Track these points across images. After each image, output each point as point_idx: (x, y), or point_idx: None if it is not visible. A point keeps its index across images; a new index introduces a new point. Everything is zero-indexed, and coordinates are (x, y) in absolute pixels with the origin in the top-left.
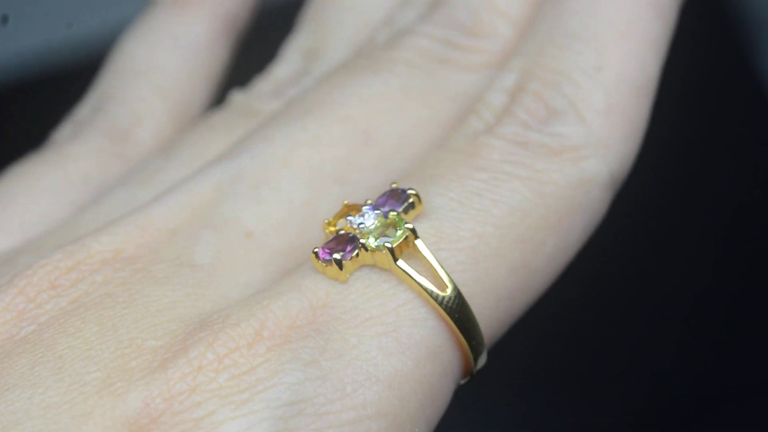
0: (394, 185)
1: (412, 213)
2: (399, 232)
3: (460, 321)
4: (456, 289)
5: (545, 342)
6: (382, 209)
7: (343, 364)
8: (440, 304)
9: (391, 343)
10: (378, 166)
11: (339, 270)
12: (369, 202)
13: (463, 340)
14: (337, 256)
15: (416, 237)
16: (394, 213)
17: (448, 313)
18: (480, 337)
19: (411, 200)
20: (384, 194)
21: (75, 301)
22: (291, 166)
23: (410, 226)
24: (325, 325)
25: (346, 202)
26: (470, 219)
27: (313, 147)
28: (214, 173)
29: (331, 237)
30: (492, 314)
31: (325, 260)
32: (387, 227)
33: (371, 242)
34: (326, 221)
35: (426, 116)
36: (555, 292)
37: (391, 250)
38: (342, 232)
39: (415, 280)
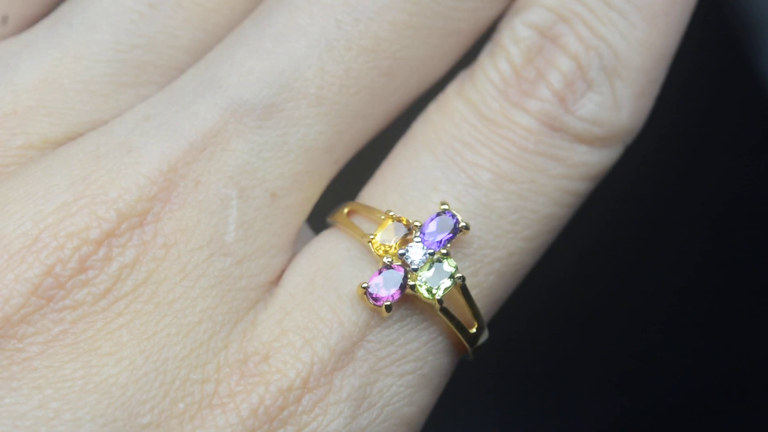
0: (444, 207)
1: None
2: (448, 282)
3: (477, 342)
4: (482, 325)
5: (539, 343)
6: (429, 241)
7: (376, 413)
8: (466, 339)
9: (418, 380)
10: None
11: (385, 312)
12: (417, 224)
13: (471, 347)
14: (387, 302)
15: (464, 288)
16: (444, 252)
17: (469, 343)
18: (486, 340)
19: (460, 231)
20: (433, 218)
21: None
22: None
23: (460, 276)
24: (362, 361)
25: (392, 213)
26: (504, 237)
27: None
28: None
29: (379, 264)
30: (492, 312)
31: (374, 301)
32: (434, 262)
33: (421, 290)
34: (375, 240)
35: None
36: (548, 293)
37: (440, 302)
38: (392, 268)
39: (453, 328)
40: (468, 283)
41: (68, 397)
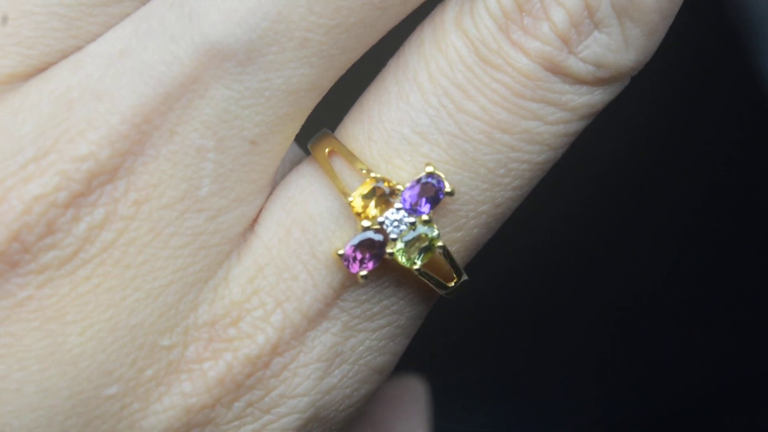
0: (429, 168)
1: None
2: (428, 252)
3: (453, 291)
4: (461, 278)
5: (533, 342)
6: (410, 208)
7: (348, 368)
8: (444, 291)
9: (393, 331)
10: None
11: (361, 279)
12: (399, 188)
13: (450, 296)
14: (363, 272)
15: (445, 252)
16: (425, 219)
17: (447, 295)
18: (466, 282)
19: (443, 198)
20: (417, 184)
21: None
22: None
23: (441, 245)
24: (335, 319)
25: (373, 174)
26: (492, 190)
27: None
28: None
29: (357, 227)
30: (472, 256)
31: (350, 268)
32: (414, 229)
33: (401, 259)
34: (355, 201)
35: None
36: (545, 288)
37: (420, 271)
38: (369, 233)
39: (432, 286)
40: (450, 238)
41: (32, 368)
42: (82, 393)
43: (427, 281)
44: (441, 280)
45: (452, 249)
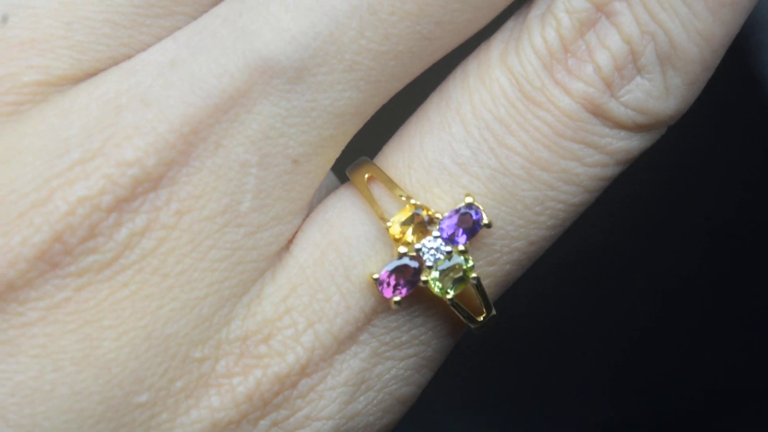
0: (468, 199)
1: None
2: (461, 283)
3: (481, 326)
4: (491, 314)
5: (531, 346)
6: (447, 237)
7: (373, 396)
8: (473, 325)
9: (419, 362)
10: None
11: (394, 305)
12: (438, 217)
13: (476, 330)
14: (396, 298)
15: (478, 285)
16: (461, 249)
17: (475, 330)
18: (493, 317)
19: (481, 228)
20: (455, 213)
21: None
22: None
23: (475, 277)
24: (365, 344)
25: (413, 201)
26: (527, 227)
27: None
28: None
29: (394, 253)
30: (501, 293)
31: (383, 293)
32: (450, 259)
33: (434, 287)
34: (393, 227)
35: None
36: (553, 293)
37: (452, 301)
38: (405, 259)
39: (462, 319)
40: (483, 272)
41: (66, 370)
42: (113, 398)
43: (457, 313)
44: (471, 314)
45: (484, 283)
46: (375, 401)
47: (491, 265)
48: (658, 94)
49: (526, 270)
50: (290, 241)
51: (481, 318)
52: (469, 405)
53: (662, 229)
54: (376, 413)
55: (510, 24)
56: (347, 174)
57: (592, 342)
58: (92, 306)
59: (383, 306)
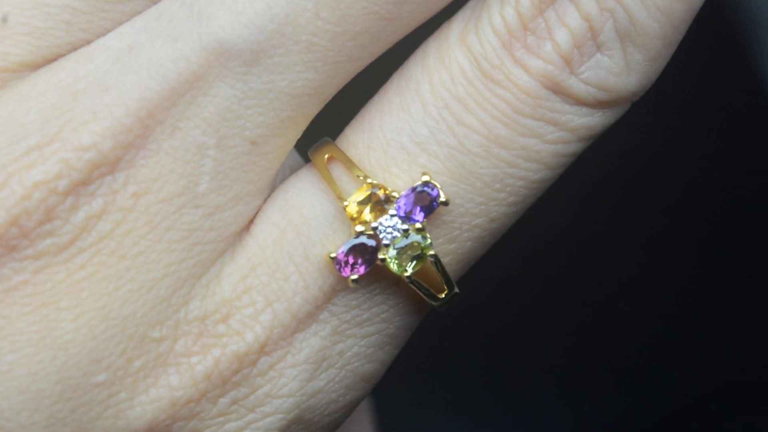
0: (425, 177)
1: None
2: (419, 260)
3: (444, 303)
4: (452, 290)
5: (536, 340)
6: (404, 215)
7: (335, 373)
8: (435, 302)
9: (382, 339)
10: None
11: (351, 283)
12: (394, 195)
13: (440, 308)
14: (354, 276)
15: (437, 262)
16: (418, 227)
17: (438, 307)
18: (456, 294)
19: (439, 206)
20: (411, 191)
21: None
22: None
23: (432, 255)
24: (325, 323)
25: (370, 180)
26: (487, 204)
27: None
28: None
29: (351, 231)
30: (466, 270)
31: (341, 272)
32: (407, 236)
33: (391, 265)
34: (350, 206)
35: None
36: (541, 290)
37: (410, 279)
38: (362, 238)
39: (422, 296)
40: (443, 249)
41: (23, 351)
42: (70, 379)
43: (417, 290)
44: (432, 291)
45: (445, 261)
46: (337, 378)
47: (451, 242)
48: (618, 71)
49: (488, 246)
50: (251, 222)
51: (443, 295)
52: (458, 409)
53: (660, 229)
54: (338, 390)
55: (471, 3)
56: (309, 155)
57: (577, 337)
58: (49, 288)
59: (342, 285)
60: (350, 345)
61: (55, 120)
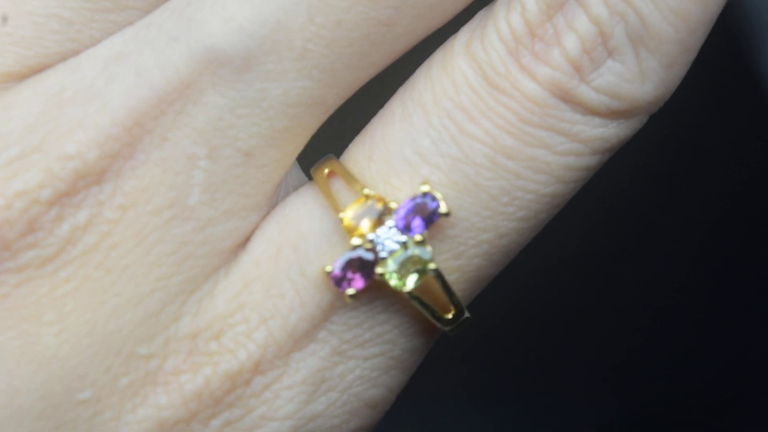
0: (425, 188)
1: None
2: (419, 275)
3: (455, 325)
4: (460, 310)
5: (529, 343)
6: (403, 227)
7: (336, 397)
8: (441, 324)
9: (386, 363)
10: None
11: (348, 299)
12: (392, 206)
13: (448, 330)
14: (350, 291)
15: (438, 276)
16: (418, 240)
17: (449, 332)
18: (466, 319)
19: (439, 217)
20: (411, 202)
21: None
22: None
23: (433, 269)
24: (324, 342)
25: (366, 191)
26: (494, 219)
27: None
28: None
29: (348, 249)
30: (477, 291)
31: (337, 287)
32: (406, 249)
33: (391, 281)
34: (346, 218)
35: None
36: (539, 291)
37: (411, 295)
38: (359, 251)
39: (427, 315)
40: (449, 266)
41: (4, 366)
42: (53, 395)
43: (419, 307)
44: (437, 310)
45: (451, 278)
46: (338, 403)
47: (457, 258)
48: (632, 77)
49: (501, 265)
50: (247, 239)
51: (450, 315)
52: (470, 406)
53: (655, 228)
54: (340, 416)
55: (479, 14)
56: (311, 172)
57: (594, 339)
58: (32, 302)
59: (341, 302)
60: (352, 367)
61: (38, 129)
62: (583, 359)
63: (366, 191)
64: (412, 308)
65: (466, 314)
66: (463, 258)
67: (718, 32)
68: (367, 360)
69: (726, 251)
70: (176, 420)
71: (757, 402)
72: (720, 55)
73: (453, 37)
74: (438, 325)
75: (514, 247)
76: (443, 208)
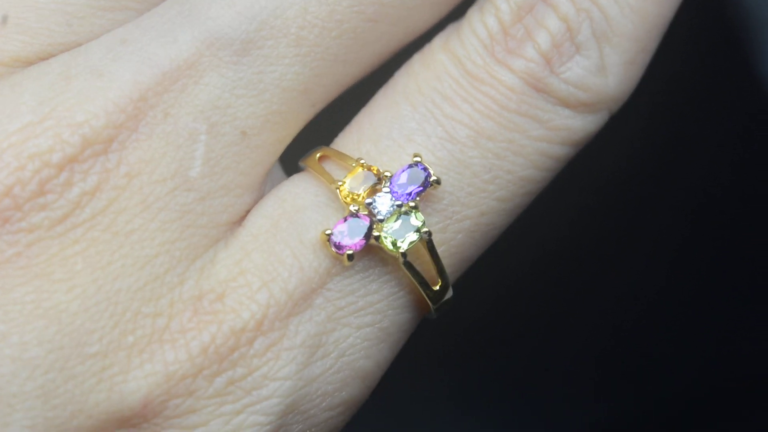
0: (416, 159)
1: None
2: (414, 236)
3: (441, 302)
4: (446, 283)
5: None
6: (398, 193)
7: (330, 363)
8: (428, 296)
9: (376, 334)
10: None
11: (347, 260)
12: (387, 174)
13: (433, 306)
14: (349, 251)
15: (430, 243)
16: (412, 205)
17: (432, 301)
18: (450, 299)
19: (431, 185)
20: (404, 169)
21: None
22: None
23: (426, 231)
24: (320, 309)
25: (363, 161)
26: (477, 195)
27: None
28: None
29: (346, 212)
30: (460, 271)
31: (337, 249)
32: (401, 213)
33: (386, 242)
34: (343, 187)
35: None
36: (544, 289)
37: (404, 255)
38: (357, 216)
39: (416, 283)
40: (435, 239)
41: (16, 320)
42: (63, 348)
43: (409, 274)
44: (426, 280)
45: (438, 251)
46: (332, 369)
47: (442, 232)
48: (596, 71)
49: (480, 247)
50: (242, 218)
51: (437, 287)
52: (458, 407)
53: (660, 229)
54: (334, 383)
55: (451, 26)
56: (300, 162)
57: (581, 336)
58: (43, 261)
59: (337, 268)
60: (346, 334)
61: (49, 101)
62: (570, 359)
63: (362, 161)
64: (402, 279)
65: (450, 293)
66: (448, 231)
67: (718, 32)
68: (359, 329)
69: (723, 252)
70: (183, 375)
71: (745, 401)
72: (720, 55)
73: (430, 41)
74: (425, 295)
75: (493, 229)
76: (434, 176)
